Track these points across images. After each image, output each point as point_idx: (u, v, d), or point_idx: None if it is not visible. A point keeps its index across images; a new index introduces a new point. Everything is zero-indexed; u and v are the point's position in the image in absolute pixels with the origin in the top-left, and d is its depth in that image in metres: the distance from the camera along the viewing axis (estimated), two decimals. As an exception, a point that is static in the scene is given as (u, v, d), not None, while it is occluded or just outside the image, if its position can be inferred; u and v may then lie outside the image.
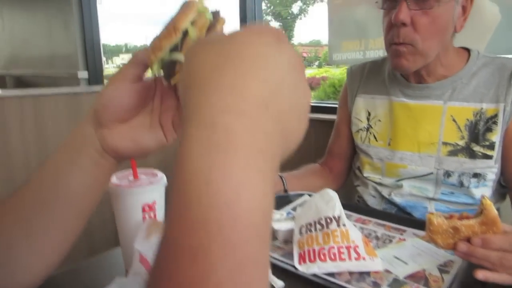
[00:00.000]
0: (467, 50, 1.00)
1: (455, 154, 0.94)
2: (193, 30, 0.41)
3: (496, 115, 0.91)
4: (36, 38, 3.12)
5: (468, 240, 0.61)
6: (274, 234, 0.79)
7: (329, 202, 0.75)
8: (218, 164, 0.22)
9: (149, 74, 0.48)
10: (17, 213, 0.46)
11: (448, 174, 0.95)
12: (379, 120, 1.06)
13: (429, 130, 0.97)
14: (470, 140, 0.93)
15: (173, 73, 0.43)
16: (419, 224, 0.83)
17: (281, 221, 0.81)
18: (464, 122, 0.94)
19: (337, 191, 1.22)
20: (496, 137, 0.91)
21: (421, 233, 0.79)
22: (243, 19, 1.96)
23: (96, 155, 0.47)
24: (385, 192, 1.03)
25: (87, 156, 0.47)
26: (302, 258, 0.68)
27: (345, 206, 0.93)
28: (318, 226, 0.72)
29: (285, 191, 1.05)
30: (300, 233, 0.73)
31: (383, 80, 1.08)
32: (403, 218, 0.92)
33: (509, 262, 0.58)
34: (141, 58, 0.47)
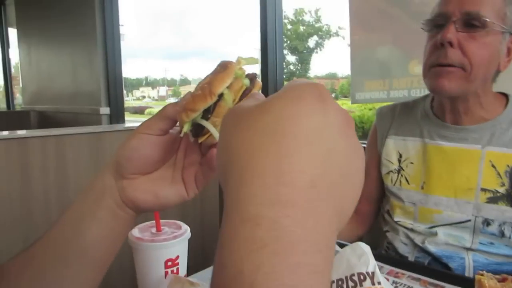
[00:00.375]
0: (505, 96, 0.97)
1: (495, 202, 0.89)
2: (229, 95, 0.41)
3: None
4: (61, 75, 3.23)
5: None
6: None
7: (361, 256, 0.70)
8: (265, 267, 0.20)
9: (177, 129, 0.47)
10: (34, 266, 0.45)
11: (487, 222, 0.90)
12: (411, 163, 1.02)
13: (467, 175, 0.93)
14: (511, 187, 0.88)
15: (201, 132, 0.43)
16: (460, 280, 0.77)
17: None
18: (504, 169, 0.89)
19: (363, 236, 1.18)
20: None
21: (462, 290, 0.73)
22: (264, 53, 1.98)
23: (114, 207, 0.46)
24: (418, 239, 0.98)
25: (106, 208, 0.46)
26: (334, 319, 0.63)
27: (376, 256, 0.87)
28: (350, 283, 0.67)
29: None
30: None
31: (416, 122, 1.04)
32: (440, 272, 0.85)
33: None
34: (170, 113, 0.46)
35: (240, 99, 0.42)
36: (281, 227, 0.21)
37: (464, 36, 0.86)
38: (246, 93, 0.43)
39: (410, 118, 1.07)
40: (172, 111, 0.46)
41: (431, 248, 0.95)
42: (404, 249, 1.01)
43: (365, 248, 0.72)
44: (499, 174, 0.90)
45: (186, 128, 0.43)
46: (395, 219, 1.03)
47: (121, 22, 2.91)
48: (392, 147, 1.07)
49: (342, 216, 0.25)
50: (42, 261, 0.45)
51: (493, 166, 0.91)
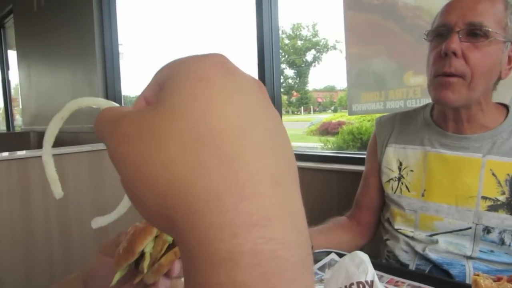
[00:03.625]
0: (505, 106, 0.99)
1: (496, 210, 0.90)
2: (148, 255, 0.44)
3: None
4: (60, 95, 3.25)
5: None
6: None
7: (360, 265, 0.70)
8: None
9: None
10: None
11: (488, 230, 0.90)
12: (411, 170, 1.03)
13: (468, 183, 0.93)
14: (511, 196, 0.89)
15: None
16: (459, 287, 0.77)
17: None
18: (504, 177, 0.90)
19: (365, 245, 1.18)
20: None
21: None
22: (261, 68, 2.00)
23: None
24: (418, 247, 0.98)
25: None
26: (334, 329, 0.63)
27: (376, 265, 0.88)
28: (350, 292, 0.67)
29: (311, 248, 1.00)
30: (331, 299, 0.68)
31: (416, 130, 1.06)
32: (440, 279, 0.85)
33: None
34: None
35: (164, 253, 0.45)
36: (264, 258, 0.17)
37: (467, 46, 0.87)
38: (170, 248, 0.45)
39: (410, 127, 1.08)
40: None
41: (432, 255, 0.95)
42: (405, 257, 1.01)
43: (364, 257, 0.72)
44: (499, 182, 0.91)
45: (115, 278, 0.45)
46: (396, 227, 1.03)
47: (120, 41, 2.95)
48: (392, 155, 1.08)
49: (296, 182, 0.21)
50: None
51: (493, 174, 0.91)
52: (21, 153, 1.90)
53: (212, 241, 0.17)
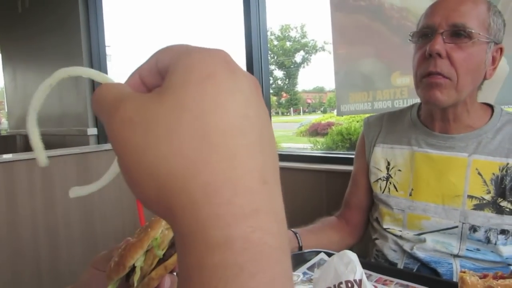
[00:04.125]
0: (490, 107, 1.00)
1: (481, 209, 0.91)
2: (139, 270, 0.44)
3: None
4: (47, 98, 3.20)
5: None
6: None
7: (348, 264, 0.71)
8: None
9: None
10: None
11: (474, 229, 0.91)
12: (399, 170, 1.04)
13: (454, 182, 0.94)
14: (496, 194, 0.91)
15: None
16: (446, 285, 0.78)
17: (297, 284, 0.76)
18: (490, 176, 0.92)
19: (354, 245, 1.18)
20: None
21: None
22: (250, 69, 2.00)
23: None
24: (406, 246, 0.99)
25: None
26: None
27: (364, 264, 0.88)
28: (339, 292, 0.67)
29: (300, 248, 1.01)
30: (320, 298, 0.68)
31: (403, 130, 1.07)
32: (428, 277, 0.86)
33: None
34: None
35: (155, 267, 0.45)
36: (253, 244, 0.19)
37: (451, 47, 0.88)
38: (160, 262, 0.45)
39: (398, 127, 1.09)
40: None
41: (420, 254, 0.96)
42: (393, 256, 1.01)
43: (352, 256, 0.72)
44: (485, 181, 0.92)
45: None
46: (384, 226, 1.04)
47: (107, 43, 2.93)
48: (380, 155, 1.09)
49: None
50: None
51: (479, 174, 0.93)
52: (7, 157, 1.87)
53: (209, 229, 0.19)
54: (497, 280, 0.60)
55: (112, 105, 0.22)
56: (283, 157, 1.93)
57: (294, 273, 0.84)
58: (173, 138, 0.20)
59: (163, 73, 0.23)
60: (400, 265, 1.00)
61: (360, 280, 0.68)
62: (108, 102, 0.23)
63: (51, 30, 3.10)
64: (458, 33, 0.88)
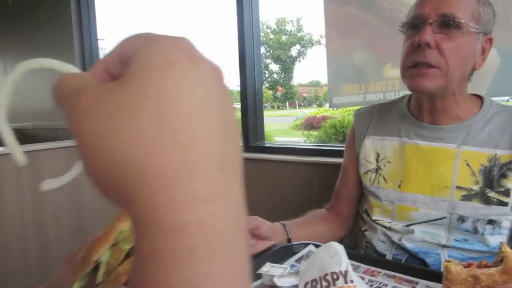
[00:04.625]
0: (480, 98, 1.00)
1: (469, 199, 0.91)
2: (104, 264, 0.44)
3: (511, 162, 0.89)
4: (39, 92, 3.18)
5: None
6: (278, 290, 0.74)
7: (334, 256, 0.70)
8: (194, 277, 0.19)
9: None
10: None
11: (462, 219, 0.91)
12: (389, 162, 1.04)
13: (443, 173, 0.94)
14: (484, 185, 0.91)
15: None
16: (433, 275, 0.78)
17: (284, 276, 0.76)
18: (478, 167, 0.92)
19: (344, 237, 1.19)
20: (511, 184, 0.88)
21: (436, 285, 0.74)
22: (242, 63, 1.99)
23: None
24: (395, 237, 0.99)
25: None
26: (308, 319, 0.63)
27: (352, 255, 0.88)
28: (324, 283, 0.67)
29: (289, 240, 1.01)
30: (305, 290, 0.68)
31: (393, 122, 1.07)
32: (415, 268, 0.86)
33: None
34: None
35: (122, 262, 0.44)
36: (208, 228, 0.19)
37: (441, 37, 0.88)
38: (127, 257, 0.44)
39: (388, 119, 1.09)
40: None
41: (408, 245, 0.96)
42: (382, 247, 1.02)
43: (338, 247, 0.72)
44: (473, 172, 0.92)
45: (77, 285, 0.44)
46: (373, 217, 1.04)
47: (101, 35, 2.90)
48: (370, 147, 1.08)
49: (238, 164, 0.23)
50: None
51: (468, 165, 0.92)
52: (-4, 151, 1.85)
53: (165, 214, 0.19)
54: (481, 269, 0.60)
55: (72, 94, 0.22)
56: (275, 150, 1.92)
57: (282, 265, 0.84)
58: (133, 125, 0.20)
59: (126, 62, 0.23)
60: (389, 256, 1.00)
61: (346, 271, 0.67)
62: (68, 92, 0.23)
63: (43, 23, 3.07)
64: (448, 24, 0.88)
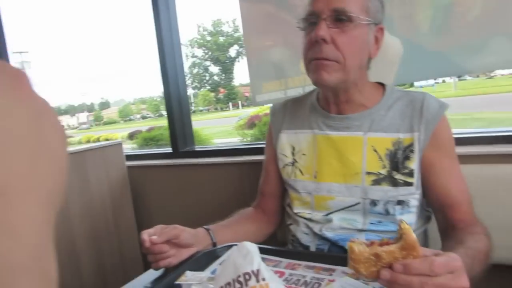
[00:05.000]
0: (382, 86, 1.04)
1: (379, 183, 0.95)
2: None
3: (412, 144, 0.94)
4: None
5: (391, 267, 0.60)
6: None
7: (247, 256, 0.70)
8: None
9: None
10: None
11: (374, 203, 0.95)
12: (304, 154, 1.06)
13: (353, 160, 0.98)
14: (391, 168, 0.95)
15: None
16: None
17: (202, 284, 0.75)
18: (384, 152, 0.96)
19: (272, 233, 1.19)
20: (414, 164, 0.93)
21: (351, 270, 0.76)
22: (164, 68, 1.94)
23: None
24: (316, 228, 1.01)
25: None
26: (221, 324, 0.62)
27: (275, 251, 0.89)
28: (237, 285, 0.67)
29: (214, 244, 0.99)
30: (219, 295, 0.67)
31: (305, 115, 1.09)
32: (334, 256, 0.89)
33: (429, 286, 0.57)
34: None
35: None
36: None
37: (335, 31, 0.91)
38: None
39: (300, 112, 1.11)
40: None
41: (328, 234, 0.99)
42: (306, 239, 1.03)
43: (250, 247, 0.72)
44: (380, 157, 0.96)
45: None
46: (295, 211, 1.06)
47: (25, 49, 2.71)
48: (286, 141, 1.10)
49: (55, 197, 0.23)
50: None
51: (375, 150, 0.96)
52: None
53: None
54: (383, 247, 0.62)
55: None
56: (206, 153, 1.90)
57: (201, 272, 0.82)
58: None
59: None
60: (313, 248, 1.02)
61: (258, 270, 0.67)
62: None
63: None
64: (340, 18, 0.91)
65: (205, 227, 1.02)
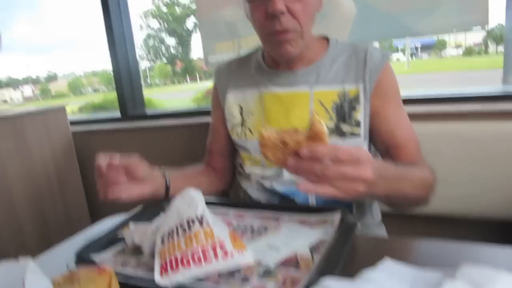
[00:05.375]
0: (326, 39, 1.04)
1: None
2: None
3: (357, 95, 0.94)
4: None
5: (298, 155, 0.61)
6: (140, 250, 0.70)
7: (191, 203, 0.68)
8: None
9: None
10: None
11: None
12: (252, 114, 1.04)
13: (300, 116, 0.97)
14: (338, 121, 0.95)
15: None
16: (296, 208, 0.81)
17: (147, 234, 0.72)
18: (331, 105, 0.96)
19: (225, 190, 1.18)
20: (360, 115, 0.94)
21: (297, 217, 0.76)
22: (110, 30, 1.84)
23: None
24: (267, 183, 1.01)
25: None
26: (163, 269, 0.60)
27: (224, 203, 0.88)
28: (180, 231, 0.65)
29: (167, 188, 0.93)
30: (162, 242, 0.65)
31: (251, 74, 1.07)
32: (281, 205, 0.89)
33: (330, 172, 0.59)
34: None
35: None
36: None
37: (290, 1, 0.88)
38: None
39: (245, 71, 1.09)
40: None
41: (279, 188, 0.99)
42: (257, 195, 1.03)
43: (194, 194, 0.70)
44: (327, 110, 0.96)
45: None
46: (247, 170, 1.05)
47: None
48: (233, 101, 1.08)
49: None
50: None
51: (321, 104, 0.96)
52: None
53: None
54: (292, 136, 0.63)
55: None
56: (156, 117, 1.85)
57: (146, 224, 0.80)
58: None
59: None
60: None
61: (202, 216, 0.66)
62: None
63: None
64: None
65: (160, 168, 0.97)
